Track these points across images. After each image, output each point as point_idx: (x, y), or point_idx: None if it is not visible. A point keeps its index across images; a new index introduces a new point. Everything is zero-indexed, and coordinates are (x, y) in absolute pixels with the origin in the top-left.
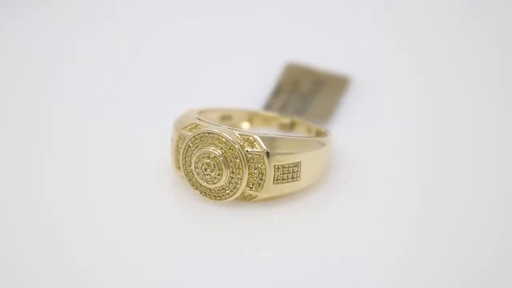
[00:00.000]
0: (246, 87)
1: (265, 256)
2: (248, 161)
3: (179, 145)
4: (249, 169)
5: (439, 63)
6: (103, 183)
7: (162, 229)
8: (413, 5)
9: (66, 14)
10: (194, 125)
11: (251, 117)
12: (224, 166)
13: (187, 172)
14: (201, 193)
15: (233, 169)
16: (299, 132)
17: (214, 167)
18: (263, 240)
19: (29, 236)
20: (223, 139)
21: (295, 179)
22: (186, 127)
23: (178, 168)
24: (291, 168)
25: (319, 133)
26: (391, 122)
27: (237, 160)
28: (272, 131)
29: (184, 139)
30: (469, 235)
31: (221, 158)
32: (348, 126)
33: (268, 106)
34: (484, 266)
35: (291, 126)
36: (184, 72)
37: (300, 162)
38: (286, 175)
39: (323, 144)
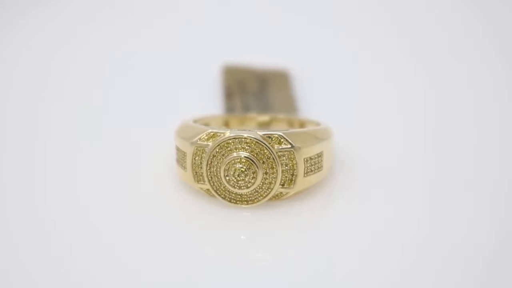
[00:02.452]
0: (187, 95)
1: (267, 256)
2: (279, 158)
3: (197, 157)
4: (281, 167)
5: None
6: (103, 183)
7: (162, 229)
8: None
9: (66, 15)
10: (211, 134)
11: (227, 121)
12: (258, 168)
13: (213, 182)
14: (230, 201)
15: (266, 169)
16: (281, 127)
17: (248, 170)
18: (263, 241)
19: (29, 236)
20: (253, 142)
21: (320, 169)
22: (201, 137)
23: (198, 181)
24: (316, 159)
25: (303, 125)
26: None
27: (270, 160)
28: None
29: (204, 150)
30: (471, 235)
31: (253, 161)
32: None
33: (230, 109)
34: (485, 266)
35: (270, 122)
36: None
37: (322, 151)
38: (313, 166)
39: (329, 132)
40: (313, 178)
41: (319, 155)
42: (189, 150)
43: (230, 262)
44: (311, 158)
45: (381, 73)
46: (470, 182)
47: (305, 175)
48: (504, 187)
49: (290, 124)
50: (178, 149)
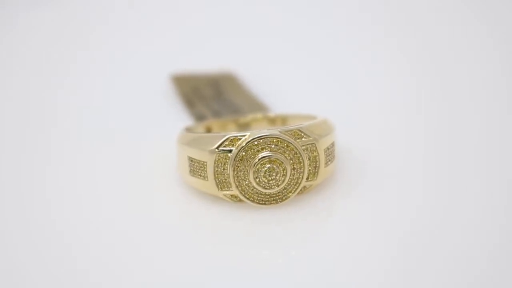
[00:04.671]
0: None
1: (267, 256)
2: (303, 152)
3: (219, 164)
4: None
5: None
6: (103, 183)
7: (163, 228)
8: None
9: (66, 15)
10: (231, 139)
11: (209, 126)
12: (287, 164)
13: (242, 187)
14: (259, 203)
15: (293, 165)
16: (264, 127)
17: (279, 168)
18: (264, 241)
19: (29, 236)
20: (279, 140)
21: (334, 158)
22: (220, 145)
23: (222, 188)
24: (331, 148)
25: (285, 121)
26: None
27: (297, 155)
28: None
29: (227, 156)
30: (472, 235)
31: (282, 158)
32: None
33: (200, 117)
34: (485, 266)
35: (250, 124)
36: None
37: (334, 141)
38: (330, 156)
39: (330, 125)
40: (331, 167)
41: (333, 144)
42: (209, 159)
43: (231, 262)
44: (328, 148)
45: (366, 69)
46: (471, 181)
47: (325, 165)
48: (505, 183)
49: (272, 122)
50: (193, 160)
